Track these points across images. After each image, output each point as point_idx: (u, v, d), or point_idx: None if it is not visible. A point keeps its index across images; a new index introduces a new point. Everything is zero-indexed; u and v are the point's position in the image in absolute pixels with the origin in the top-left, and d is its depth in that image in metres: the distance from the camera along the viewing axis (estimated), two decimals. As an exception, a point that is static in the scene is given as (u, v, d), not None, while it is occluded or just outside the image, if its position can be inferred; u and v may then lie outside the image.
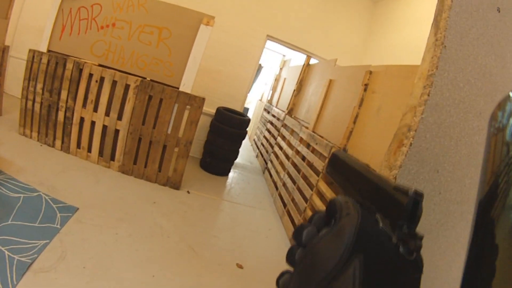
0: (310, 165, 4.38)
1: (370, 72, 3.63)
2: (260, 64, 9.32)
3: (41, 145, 4.75)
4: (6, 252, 2.54)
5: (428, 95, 1.55)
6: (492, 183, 0.34)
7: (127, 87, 4.53)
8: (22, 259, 2.51)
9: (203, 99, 4.58)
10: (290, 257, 0.49)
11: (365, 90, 3.64)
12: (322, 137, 4.33)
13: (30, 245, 2.69)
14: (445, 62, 1.53)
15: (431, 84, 1.54)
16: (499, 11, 1.66)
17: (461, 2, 1.54)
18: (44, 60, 4.59)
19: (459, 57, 1.56)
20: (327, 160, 3.76)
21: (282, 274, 0.49)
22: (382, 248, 0.43)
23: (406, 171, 1.64)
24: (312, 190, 4.04)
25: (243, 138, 6.19)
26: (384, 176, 0.58)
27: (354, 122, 3.68)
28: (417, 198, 0.42)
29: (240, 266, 3.43)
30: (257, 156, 8.67)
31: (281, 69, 8.96)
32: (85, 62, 4.56)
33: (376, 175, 0.55)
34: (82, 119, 4.66)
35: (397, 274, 0.41)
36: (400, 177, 1.66)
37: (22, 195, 3.29)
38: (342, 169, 0.71)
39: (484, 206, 0.35)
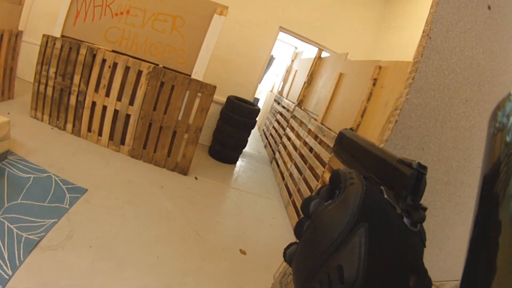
0: (317, 156, 4.41)
1: (380, 67, 3.64)
2: (272, 55, 9.32)
3: (52, 128, 4.83)
4: (15, 229, 2.61)
5: (413, 79, 1.62)
6: (496, 162, 0.32)
7: (139, 73, 4.58)
8: (30, 236, 2.58)
9: (214, 87, 4.63)
10: (298, 230, 0.49)
11: (374, 84, 3.66)
12: (330, 129, 4.35)
13: (39, 224, 2.77)
14: (430, 51, 1.59)
15: (416, 70, 1.61)
16: (489, 9, 1.70)
17: (449, -1, 1.60)
18: (58, 45, 4.65)
19: (444, 48, 1.61)
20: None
21: (290, 245, 0.50)
22: (387, 218, 0.43)
23: (392, 146, 1.72)
24: (318, 181, 4.08)
25: (252, 127, 6.22)
26: (388, 150, 0.57)
27: (362, 116, 3.71)
28: (421, 170, 0.43)
29: (243, 252, 3.48)
30: (265, 146, 8.71)
31: (292, 61, 8.96)
32: (99, 48, 4.62)
33: (380, 150, 0.56)
34: (94, 103, 4.73)
35: (402, 244, 0.41)
36: None
37: (32, 175, 3.37)
38: (348, 146, 0.73)
39: (488, 180, 0.33)
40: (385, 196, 0.47)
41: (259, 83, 7.58)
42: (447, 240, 2.25)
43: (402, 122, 1.66)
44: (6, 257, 2.35)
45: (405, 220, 0.42)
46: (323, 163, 4.10)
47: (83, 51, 4.59)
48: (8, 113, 4.72)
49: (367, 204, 0.42)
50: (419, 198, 0.43)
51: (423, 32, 1.63)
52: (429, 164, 1.82)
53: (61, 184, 3.40)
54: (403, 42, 6.20)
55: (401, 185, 0.44)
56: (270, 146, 8.01)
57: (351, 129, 0.81)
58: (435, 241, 2.20)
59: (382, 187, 0.49)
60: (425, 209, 0.42)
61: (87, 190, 3.49)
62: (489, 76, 1.81)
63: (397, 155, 0.48)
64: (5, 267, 2.28)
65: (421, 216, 0.41)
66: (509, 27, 1.82)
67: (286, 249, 0.50)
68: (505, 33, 1.81)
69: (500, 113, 0.33)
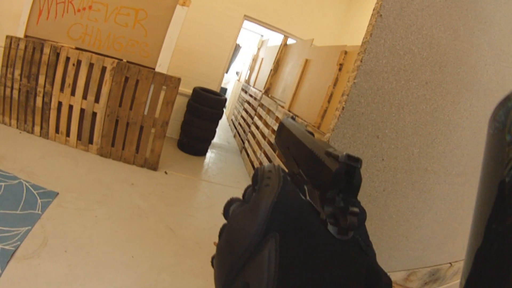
0: (285, 144, 4.47)
1: (345, 52, 3.69)
2: (238, 44, 9.29)
3: (20, 132, 4.78)
4: (-10, 240, 2.63)
5: (361, 61, 1.47)
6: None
7: (103, 69, 4.56)
8: (6, 247, 2.59)
9: (179, 79, 4.64)
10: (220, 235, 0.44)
11: (340, 69, 3.71)
12: (297, 116, 4.42)
13: (13, 233, 2.78)
14: (381, 30, 1.47)
15: (364, 51, 1.48)
16: None
17: (404, -27, 1.54)
18: (22, 45, 4.58)
19: (398, 26, 1.53)
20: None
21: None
22: (304, 226, 0.37)
23: (341, 134, 1.62)
24: (287, 169, 4.15)
25: (220, 118, 6.26)
26: (322, 141, 0.50)
27: (329, 101, 3.77)
28: (350, 163, 0.36)
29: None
30: (234, 136, 8.75)
31: (259, 49, 8.95)
32: (62, 46, 4.56)
33: (312, 140, 0.49)
34: (60, 104, 4.69)
35: (322, 258, 0.35)
36: (334, 140, 1.64)
37: (3, 183, 3.35)
38: (285, 137, 0.66)
39: (509, 188, 0.29)
40: (307, 198, 0.43)
41: (226, 72, 7.59)
42: (414, 229, 2.25)
43: (350, 109, 1.57)
44: (-17, 270, 2.38)
45: (330, 227, 0.37)
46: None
47: (46, 50, 4.54)
48: (-25, 119, 4.67)
49: (280, 209, 0.37)
50: (352, 198, 0.36)
51: (373, 10, 1.50)
52: (386, 152, 1.77)
53: (32, 189, 3.40)
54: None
55: (327, 184, 0.38)
56: (239, 135, 8.05)
57: (292, 117, 0.72)
58: (400, 230, 2.16)
59: (306, 186, 0.45)
60: (354, 213, 0.35)
61: (58, 193, 3.50)
62: (452, 56, 1.77)
63: (335, 146, 0.45)
64: (-17, 281, 2.31)
65: (349, 223, 0.35)
66: (474, 5, 1.77)
67: (213, 257, 0.45)
68: (470, 10, 1.76)
69: (501, 112, 0.32)
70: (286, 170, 0.51)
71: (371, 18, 1.54)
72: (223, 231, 0.44)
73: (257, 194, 0.40)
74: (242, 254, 0.36)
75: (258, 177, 0.43)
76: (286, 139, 0.64)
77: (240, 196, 0.48)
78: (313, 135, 0.57)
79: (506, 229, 0.28)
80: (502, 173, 0.30)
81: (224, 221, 0.45)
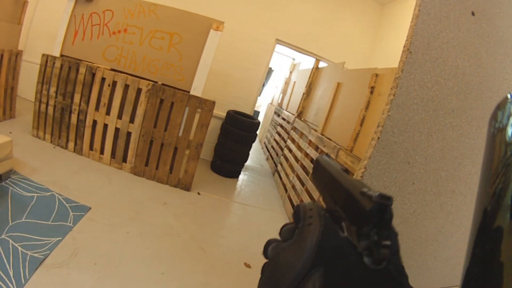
0: (319, 167, 4.40)
1: (376, 75, 3.65)
2: (270, 68, 9.35)
3: (54, 147, 4.86)
4: (19, 248, 2.62)
5: (394, 95, 1.62)
6: (496, 186, 0.32)
7: (139, 91, 4.62)
8: (35, 255, 2.59)
9: (213, 102, 4.65)
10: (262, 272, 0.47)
11: (371, 92, 3.67)
12: (330, 139, 4.37)
13: (43, 242, 2.77)
14: (410, 65, 1.59)
15: (396, 86, 1.62)
16: (473, 15, 1.70)
17: (430, 10, 1.60)
18: (58, 64, 4.70)
19: (426, 60, 1.62)
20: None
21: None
22: (345, 260, 0.40)
23: (376, 162, 1.74)
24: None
25: (253, 141, 6.26)
26: (356, 180, 0.47)
27: (361, 125, 3.72)
28: (383, 202, 0.39)
29: (248, 266, 3.47)
30: (267, 159, 8.73)
31: (291, 72, 8.98)
32: (98, 67, 4.65)
33: (347, 180, 0.52)
34: (95, 122, 4.76)
35: (361, 284, 0.39)
36: (370, 167, 1.77)
37: (35, 194, 3.38)
38: (322, 175, 0.67)
39: (490, 215, 0.32)
40: (345, 234, 0.45)
41: (259, 96, 7.62)
42: (442, 249, 2.27)
43: (384, 138, 1.70)
44: (11, 276, 2.35)
45: (365, 259, 0.39)
46: (325, 174, 4.09)
47: (82, 70, 4.63)
48: (10, 132, 4.77)
49: (324, 246, 0.41)
50: (383, 233, 0.40)
51: (404, 47, 1.65)
52: (416, 177, 1.88)
53: (64, 202, 3.41)
54: (401, 48, 6.20)
55: (363, 220, 0.41)
56: (272, 158, 8.02)
57: (327, 155, 0.75)
58: (429, 250, 2.22)
59: (344, 223, 0.47)
60: (386, 246, 0.38)
61: (90, 208, 3.50)
62: (476, 83, 1.83)
63: (369, 185, 0.46)
64: (10, 285, 2.28)
65: (381, 254, 0.38)
66: (495, 31, 1.82)
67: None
68: (491, 37, 1.81)
69: (500, 113, 0.33)
70: (324, 206, 0.55)
71: (402, 54, 1.69)
72: (265, 268, 0.46)
73: (302, 232, 0.44)
74: (289, 286, 0.39)
75: (300, 215, 0.47)
76: (323, 177, 0.65)
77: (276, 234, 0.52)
78: (347, 172, 0.59)
79: (486, 254, 0.32)
80: (487, 200, 0.33)
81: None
